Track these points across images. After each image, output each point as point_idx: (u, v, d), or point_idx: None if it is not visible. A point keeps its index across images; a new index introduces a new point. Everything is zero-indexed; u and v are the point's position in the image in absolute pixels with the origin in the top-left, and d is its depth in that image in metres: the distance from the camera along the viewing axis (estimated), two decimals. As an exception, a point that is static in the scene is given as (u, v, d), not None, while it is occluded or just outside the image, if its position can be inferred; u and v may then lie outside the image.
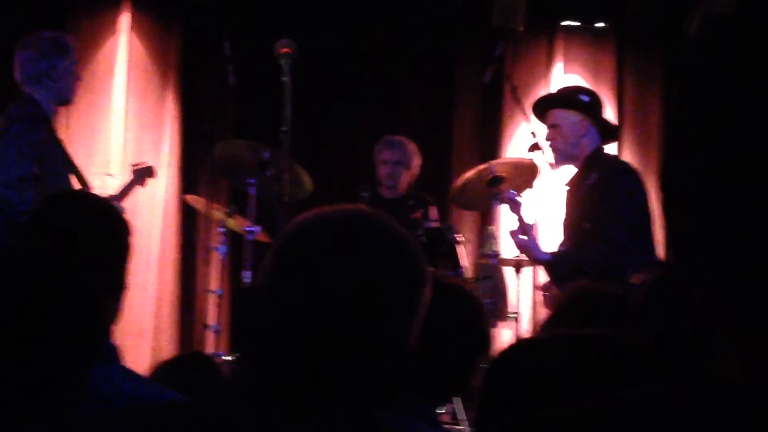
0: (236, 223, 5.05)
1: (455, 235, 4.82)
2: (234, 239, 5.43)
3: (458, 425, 4.25)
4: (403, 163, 5.36)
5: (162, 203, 5.90)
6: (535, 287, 5.30)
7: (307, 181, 4.97)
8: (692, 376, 0.61)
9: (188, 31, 6.13)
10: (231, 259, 5.50)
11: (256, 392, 1.16)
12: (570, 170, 4.39)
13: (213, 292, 4.99)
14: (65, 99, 4.20)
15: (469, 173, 4.90)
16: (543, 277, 4.41)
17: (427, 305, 1.23)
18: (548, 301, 4.30)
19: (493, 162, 4.91)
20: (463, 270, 4.83)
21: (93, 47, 5.86)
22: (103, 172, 5.68)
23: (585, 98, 4.32)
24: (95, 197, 2.66)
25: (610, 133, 4.41)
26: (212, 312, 5.05)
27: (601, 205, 4.08)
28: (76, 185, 4.12)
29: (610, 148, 4.57)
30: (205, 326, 4.92)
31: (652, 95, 6.52)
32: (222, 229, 5.02)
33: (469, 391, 2.08)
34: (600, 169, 4.18)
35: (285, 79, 4.18)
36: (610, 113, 5.87)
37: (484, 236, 5.69)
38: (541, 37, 6.47)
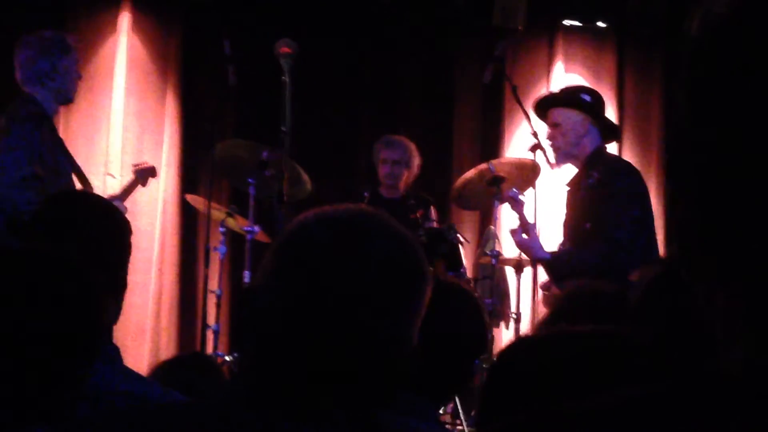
0: (236, 223, 5.05)
1: (456, 235, 4.82)
2: (234, 239, 5.44)
3: (458, 425, 4.25)
4: (403, 163, 5.36)
5: (162, 203, 5.90)
6: (535, 287, 5.30)
7: (306, 181, 4.97)
8: (692, 374, 0.61)
9: (188, 31, 6.13)
10: (231, 259, 5.50)
11: (256, 392, 1.16)
12: (570, 170, 4.39)
13: (213, 292, 4.98)
14: (66, 98, 4.20)
15: (470, 173, 4.90)
16: (543, 276, 4.41)
17: (428, 305, 1.23)
18: (547, 300, 4.30)
19: (494, 162, 4.91)
20: (464, 270, 4.83)
21: (93, 47, 5.86)
22: (102, 172, 5.68)
23: (587, 98, 4.32)
24: (95, 197, 2.66)
25: (611, 132, 4.41)
26: (212, 312, 5.05)
27: (601, 204, 4.08)
28: (78, 185, 4.13)
29: (610, 148, 4.58)
30: (205, 326, 4.92)
31: (652, 95, 6.52)
32: (222, 229, 5.02)
33: (469, 390, 2.08)
34: (601, 169, 4.18)
35: (285, 78, 4.18)
36: (610, 113, 5.87)
37: (485, 236, 5.69)
38: (541, 36, 6.47)
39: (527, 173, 4.78)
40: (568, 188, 4.36)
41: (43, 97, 4.04)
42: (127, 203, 4.65)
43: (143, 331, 5.76)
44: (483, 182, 4.78)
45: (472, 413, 4.26)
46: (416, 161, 5.43)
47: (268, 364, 1.18)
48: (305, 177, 4.96)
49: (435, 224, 5.25)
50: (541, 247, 4.24)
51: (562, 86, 5.18)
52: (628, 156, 6.21)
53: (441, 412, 4.15)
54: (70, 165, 4.14)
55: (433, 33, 6.44)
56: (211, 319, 5.05)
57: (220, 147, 4.96)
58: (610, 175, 4.15)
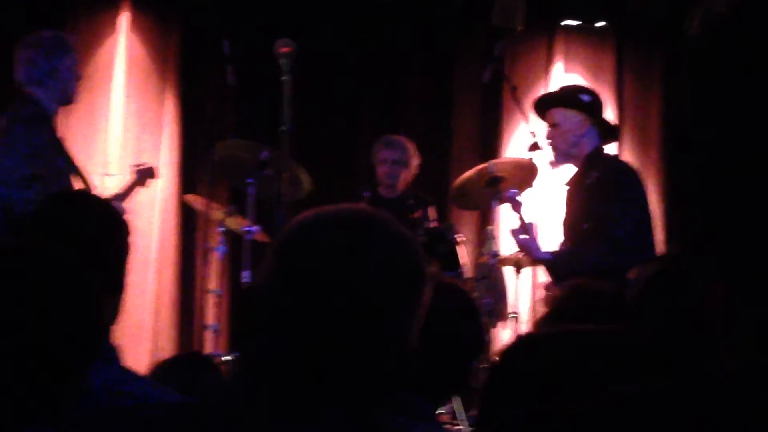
0: (235, 223, 5.05)
1: (455, 235, 4.82)
2: (233, 239, 5.43)
3: (458, 425, 4.25)
4: (402, 163, 5.36)
5: (161, 203, 5.90)
6: (535, 287, 5.31)
7: (306, 180, 4.97)
8: (692, 373, 0.61)
9: (188, 31, 6.12)
10: (230, 259, 5.50)
11: (256, 392, 1.16)
12: (569, 170, 4.39)
13: (212, 291, 4.98)
14: (67, 99, 4.19)
15: (469, 173, 4.90)
16: (543, 276, 4.41)
17: (427, 305, 1.23)
18: (546, 300, 4.29)
19: (493, 162, 4.91)
20: (463, 270, 4.83)
21: (92, 47, 5.86)
22: (102, 172, 5.68)
23: (586, 98, 4.32)
24: (95, 197, 2.66)
25: (610, 132, 4.41)
26: (211, 312, 5.05)
27: (601, 204, 4.08)
28: (78, 185, 4.12)
29: (610, 148, 4.57)
30: (204, 326, 4.92)
31: (652, 95, 6.52)
32: (221, 229, 5.02)
33: (469, 390, 2.08)
34: (600, 169, 4.18)
35: (285, 78, 4.18)
36: (609, 113, 5.87)
37: (484, 236, 5.69)
38: (540, 36, 6.47)
39: (526, 173, 4.79)
40: (567, 188, 4.36)
41: (43, 97, 4.04)
42: (126, 202, 4.65)
43: (142, 330, 5.76)
44: (482, 182, 4.78)
45: (471, 413, 4.26)
46: (415, 161, 5.43)
47: (268, 364, 1.18)
48: (305, 177, 4.96)
49: (434, 224, 5.25)
50: (541, 247, 4.24)
51: (562, 86, 5.18)
52: (628, 155, 6.21)
53: (440, 412, 4.15)
54: (71, 165, 4.14)
55: (433, 33, 6.44)
56: (210, 319, 5.06)
57: (219, 147, 4.96)
58: (610, 175, 4.15)
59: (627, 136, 6.43)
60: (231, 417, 1.12)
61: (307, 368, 1.16)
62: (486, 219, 5.95)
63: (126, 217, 2.14)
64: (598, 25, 6.50)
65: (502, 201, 4.58)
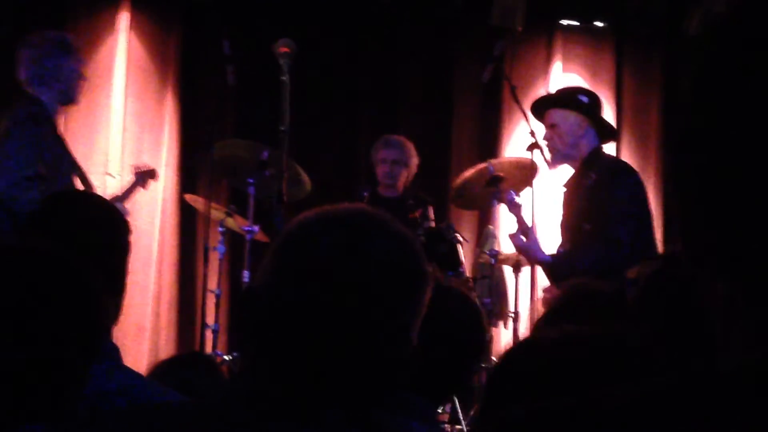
0: (235, 223, 5.05)
1: (455, 235, 4.82)
2: (233, 239, 5.44)
3: (458, 425, 4.25)
4: (401, 162, 5.37)
5: (161, 203, 5.90)
6: (534, 286, 5.30)
7: (306, 180, 4.97)
8: (692, 372, 0.61)
9: (188, 31, 6.13)
10: (230, 259, 5.50)
11: (256, 392, 1.16)
12: (567, 170, 4.38)
13: (212, 291, 4.98)
14: (70, 99, 4.19)
15: (469, 173, 4.90)
16: (542, 277, 4.41)
17: (427, 305, 1.23)
18: (546, 300, 4.30)
19: (493, 161, 4.92)
20: (463, 269, 4.83)
21: (92, 47, 5.86)
22: (102, 171, 5.68)
23: (584, 99, 4.32)
24: (95, 197, 2.66)
25: (608, 133, 4.41)
26: (211, 311, 5.05)
27: (601, 205, 4.08)
28: (79, 185, 4.12)
29: (609, 148, 4.58)
30: (204, 326, 4.92)
31: (651, 95, 6.52)
32: (221, 229, 5.02)
33: (469, 390, 2.08)
34: (599, 170, 4.18)
35: (284, 78, 4.18)
36: (608, 113, 5.88)
37: (484, 236, 5.69)
38: (540, 36, 6.47)
39: (526, 173, 4.79)
40: (565, 189, 4.36)
41: (46, 97, 4.03)
42: (126, 203, 4.65)
43: (142, 330, 5.76)
44: (482, 182, 4.78)
45: (471, 414, 4.26)
46: (415, 161, 5.43)
47: (268, 364, 1.18)
48: (305, 177, 4.96)
49: (433, 224, 5.25)
50: (540, 249, 4.24)
51: (560, 87, 5.18)
52: (627, 155, 6.21)
53: (440, 412, 4.15)
54: (72, 165, 4.14)
55: (433, 33, 6.45)
56: (210, 319, 5.05)
57: (219, 147, 4.96)
58: (609, 176, 4.15)
59: (626, 135, 6.44)
60: (231, 417, 1.12)
61: (307, 368, 1.16)
62: (485, 218, 5.96)
63: (127, 217, 2.14)
64: (597, 25, 6.51)
65: (501, 201, 4.58)
